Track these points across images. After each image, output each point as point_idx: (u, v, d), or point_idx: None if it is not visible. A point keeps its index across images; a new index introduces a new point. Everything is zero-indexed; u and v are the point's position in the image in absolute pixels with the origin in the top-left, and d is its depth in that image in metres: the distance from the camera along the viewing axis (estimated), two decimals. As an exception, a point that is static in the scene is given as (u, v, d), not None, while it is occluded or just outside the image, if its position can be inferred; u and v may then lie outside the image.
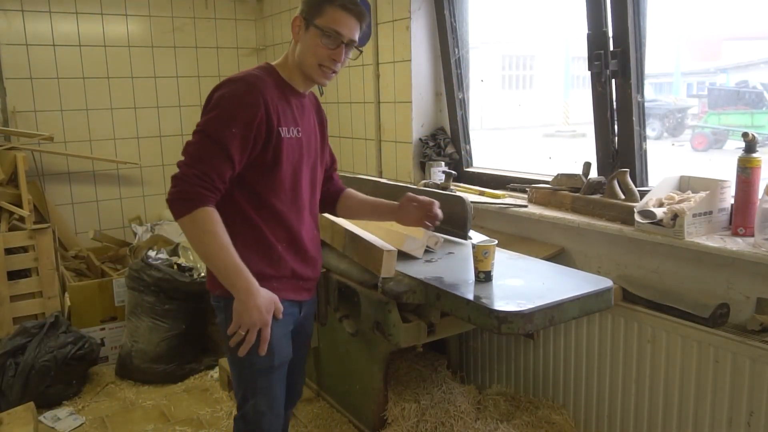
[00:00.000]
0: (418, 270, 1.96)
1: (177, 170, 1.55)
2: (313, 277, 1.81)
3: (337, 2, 1.60)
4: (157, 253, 3.24)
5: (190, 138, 1.57)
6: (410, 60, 3.10)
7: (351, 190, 1.99)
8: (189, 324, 3.15)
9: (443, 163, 3.03)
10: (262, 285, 1.60)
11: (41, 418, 2.77)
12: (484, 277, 1.79)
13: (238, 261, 1.54)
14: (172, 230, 3.86)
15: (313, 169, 1.77)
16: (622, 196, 2.22)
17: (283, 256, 1.68)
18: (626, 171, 2.22)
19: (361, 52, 1.73)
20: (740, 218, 1.91)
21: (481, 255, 1.78)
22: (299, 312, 1.79)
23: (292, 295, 1.72)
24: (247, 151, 1.56)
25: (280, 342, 1.68)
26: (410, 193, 1.90)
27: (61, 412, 2.85)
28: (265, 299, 1.57)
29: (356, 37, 1.65)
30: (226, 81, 1.60)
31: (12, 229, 3.26)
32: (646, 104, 2.31)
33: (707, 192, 1.97)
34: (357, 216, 2.02)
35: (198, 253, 1.57)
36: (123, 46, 4.04)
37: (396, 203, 1.92)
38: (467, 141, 3.15)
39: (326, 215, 2.15)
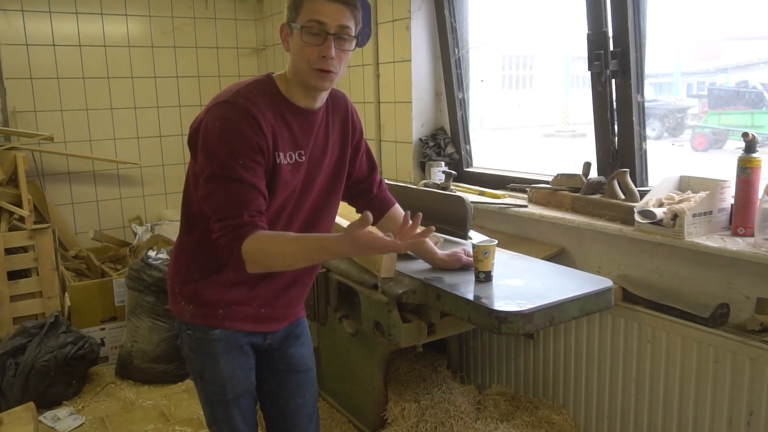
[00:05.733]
0: (418, 270, 1.96)
1: (215, 232, 1.39)
2: (286, 306, 1.64)
3: None
4: (157, 253, 3.23)
5: (205, 184, 1.40)
6: (410, 60, 3.10)
7: (397, 212, 1.82)
8: (189, 324, 3.15)
9: (443, 163, 3.03)
10: (201, 312, 1.54)
11: (41, 418, 2.77)
12: (484, 277, 1.79)
13: (307, 244, 1.37)
14: (172, 230, 3.87)
15: (323, 193, 1.60)
16: (622, 196, 2.22)
17: (239, 280, 1.53)
18: (626, 171, 2.22)
19: (358, 39, 1.47)
20: (740, 218, 1.91)
21: (481, 255, 1.78)
22: (264, 340, 1.64)
23: (248, 326, 1.58)
24: (262, 175, 1.41)
25: (232, 374, 1.58)
26: (463, 255, 1.90)
27: (61, 412, 2.86)
28: (349, 244, 1.32)
29: (347, 22, 1.41)
30: (215, 105, 1.44)
31: (12, 229, 3.26)
32: (646, 104, 2.32)
33: (707, 192, 1.97)
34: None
35: (287, 268, 1.47)
36: (123, 46, 4.05)
37: (438, 251, 1.92)
38: (467, 141, 3.15)
39: None
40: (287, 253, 1.36)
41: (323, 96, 1.54)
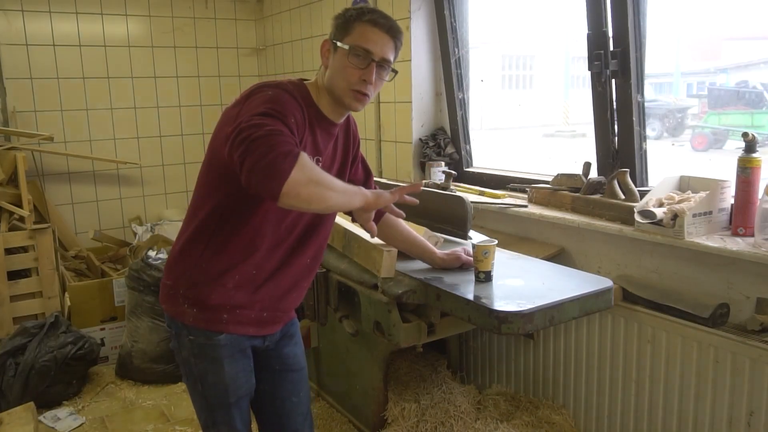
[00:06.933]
0: (418, 270, 1.96)
1: (243, 139, 1.25)
2: (285, 310, 1.66)
3: (365, 17, 1.47)
4: (157, 253, 3.23)
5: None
6: (410, 60, 3.10)
7: (392, 218, 1.84)
8: (189, 324, 3.16)
9: (443, 163, 3.03)
10: (205, 316, 1.52)
11: (41, 418, 2.77)
12: (484, 277, 1.79)
13: (341, 181, 1.35)
14: (172, 230, 3.87)
15: None
16: (622, 196, 2.22)
17: (243, 282, 1.53)
18: (626, 171, 2.22)
19: (396, 73, 1.55)
20: (740, 218, 1.91)
21: (481, 255, 1.78)
22: (263, 342, 1.65)
23: (252, 330, 1.58)
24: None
25: (235, 378, 1.58)
26: (462, 254, 1.93)
27: (61, 412, 2.86)
28: (361, 199, 1.37)
29: (390, 56, 1.50)
30: (264, 84, 1.45)
31: (12, 229, 3.26)
32: (646, 104, 2.31)
33: (707, 192, 1.97)
34: (392, 244, 1.97)
35: (324, 198, 1.28)
36: (123, 46, 4.05)
37: (437, 251, 1.95)
38: (467, 141, 3.15)
39: None
40: (330, 177, 1.31)
41: (346, 113, 1.60)
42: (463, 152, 3.13)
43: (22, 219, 3.27)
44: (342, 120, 1.60)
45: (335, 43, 1.49)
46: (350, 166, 1.73)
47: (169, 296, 1.59)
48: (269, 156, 1.20)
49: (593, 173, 2.43)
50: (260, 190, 1.22)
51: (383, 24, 1.48)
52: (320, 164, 1.54)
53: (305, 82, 1.56)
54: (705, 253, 1.92)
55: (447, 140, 3.16)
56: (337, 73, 1.49)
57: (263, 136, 1.23)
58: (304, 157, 1.24)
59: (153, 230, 3.94)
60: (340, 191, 1.31)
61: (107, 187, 4.11)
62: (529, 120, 3.91)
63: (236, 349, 1.58)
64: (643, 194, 2.13)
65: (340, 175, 1.67)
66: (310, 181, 1.24)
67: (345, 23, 1.49)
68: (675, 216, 1.93)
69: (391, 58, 1.51)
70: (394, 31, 1.49)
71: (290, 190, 1.20)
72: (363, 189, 1.39)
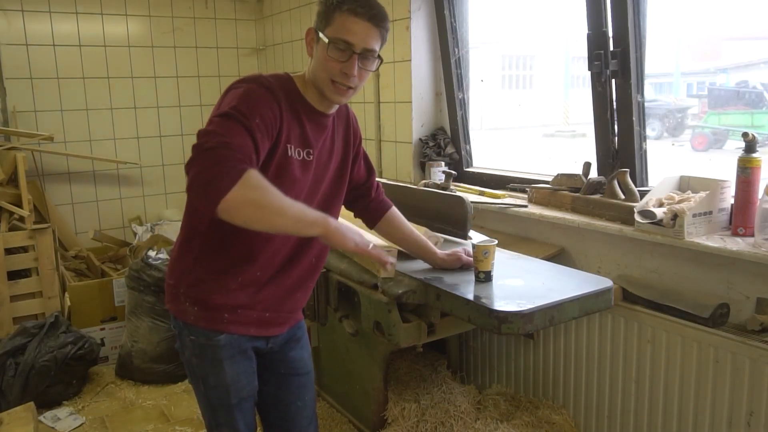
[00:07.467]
0: (418, 270, 1.96)
1: (194, 148, 1.27)
2: (290, 310, 1.65)
3: (345, 7, 1.41)
4: (157, 253, 3.23)
5: (191, 138, 1.45)
6: (410, 60, 3.10)
7: (395, 215, 1.85)
8: (189, 324, 3.15)
9: (443, 163, 3.03)
10: (206, 314, 1.52)
11: (41, 418, 2.77)
12: (484, 277, 1.79)
13: (303, 207, 1.33)
14: (172, 230, 3.87)
15: (327, 197, 1.61)
16: (622, 196, 2.22)
17: (246, 282, 1.52)
18: (626, 171, 2.22)
19: (382, 61, 1.51)
20: (740, 218, 1.91)
21: (481, 255, 1.78)
22: (266, 344, 1.64)
23: (253, 330, 1.57)
24: (265, 146, 1.36)
25: (236, 380, 1.57)
26: (463, 255, 1.91)
27: (61, 412, 2.86)
28: (349, 229, 1.41)
29: (373, 45, 1.45)
30: (241, 79, 1.44)
31: (12, 229, 3.26)
32: (646, 104, 2.32)
33: (707, 192, 1.97)
34: (393, 242, 1.96)
35: (267, 222, 1.28)
36: (123, 46, 4.05)
37: (438, 251, 1.94)
38: (467, 141, 3.15)
39: None
40: (285, 201, 1.28)
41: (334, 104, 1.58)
42: (463, 152, 3.13)
43: (22, 219, 3.27)
44: (332, 111, 1.57)
45: (318, 34, 1.46)
46: (352, 162, 1.70)
47: (172, 295, 1.59)
48: (211, 171, 1.21)
49: (593, 173, 2.43)
50: (198, 205, 1.24)
51: (363, 13, 1.42)
52: (312, 157, 1.52)
53: (294, 74, 1.53)
54: (705, 253, 1.92)
55: (447, 140, 3.16)
56: (319, 64, 1.45)
57: (210, 149, 1.24)
58: (251, 175, 1.23)
59: (153, 230, 3.95)
60: (290, 217, 1.28)
61: (107, 187, 4.12)
62: (529, 120, 3.90)
63: (236, 350, 1.57)
64: (643, 194, 2.14)
65: (340, 170, 1.65)
66: (249, 202, 1.23)
67: (326, 12, 1.44)
68: (675, 216, 1.93)
69: (376, 47, 1.46)
70: (377, 19, 1.43)
71: (228, 208, 1.21)
72: (329, 220, 1.34)
